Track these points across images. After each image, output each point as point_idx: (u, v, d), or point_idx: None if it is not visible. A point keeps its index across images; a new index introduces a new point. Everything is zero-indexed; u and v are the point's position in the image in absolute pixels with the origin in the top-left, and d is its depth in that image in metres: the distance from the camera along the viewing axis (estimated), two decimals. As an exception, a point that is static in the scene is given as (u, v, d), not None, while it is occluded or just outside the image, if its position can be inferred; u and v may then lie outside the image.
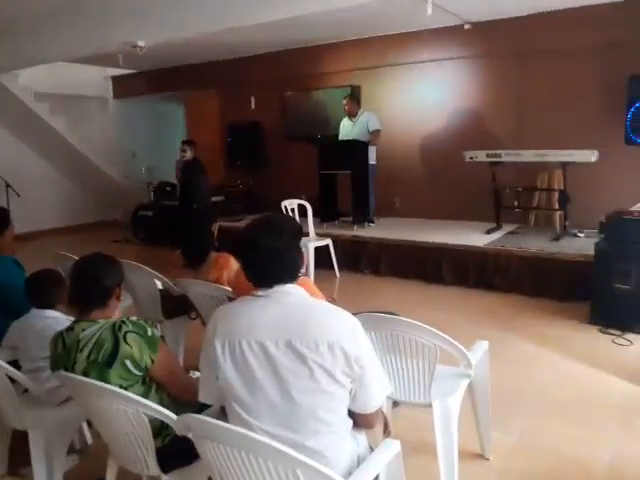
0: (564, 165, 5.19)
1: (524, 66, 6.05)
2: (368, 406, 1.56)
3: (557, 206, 5.64)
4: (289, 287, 1.55)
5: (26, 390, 2.20)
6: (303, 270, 1.67)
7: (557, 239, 5.27)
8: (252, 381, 1.47)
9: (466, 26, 6.04)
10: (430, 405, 2.13)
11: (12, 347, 2.39)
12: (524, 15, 5.71)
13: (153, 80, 9.13)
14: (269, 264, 1.54)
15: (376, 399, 1.56)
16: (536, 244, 5.11)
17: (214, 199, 7.79)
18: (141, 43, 5.31)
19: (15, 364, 2.27)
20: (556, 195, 5.62)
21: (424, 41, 6.48)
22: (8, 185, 8.01)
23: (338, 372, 1.45)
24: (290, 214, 5.65)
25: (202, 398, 1.65)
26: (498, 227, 5.80)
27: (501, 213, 5.84)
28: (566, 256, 4.76)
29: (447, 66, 6.54)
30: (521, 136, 6.00)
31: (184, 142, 6.50)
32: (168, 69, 8.63)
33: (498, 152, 5.46)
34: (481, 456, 2.47)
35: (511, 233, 5.71)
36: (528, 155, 5.33)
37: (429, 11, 4.52)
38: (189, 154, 6.29)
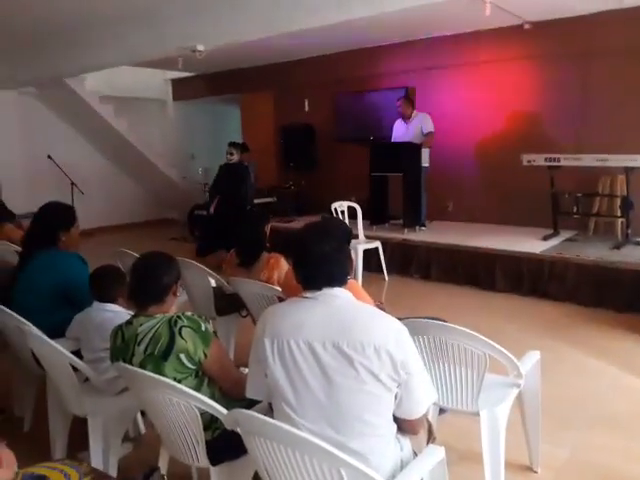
0: (627, 170, 4.97)
1: (587, 67, 5.83)
2: (413, 412, 1.56)
3: (619, 213, 5.40)
4: (337, 290, 1.59)
5: (87, 379, 2.31)
6: (352, 274, 1.69)
7: (618, 247, 5.04)
8: (299, 380, 1.50)
9: (526, 26, 5.88)
10: (477, 414, 2.10)
11: (75, 338, 2.52)
12: (587, 14, 5.49)
13: (211, 83, 9.37)
14: (318, 268, 1.58)
15: (421, 406, 1.56)
16: (595, 252, 4.91)
17: (265, 200, 7.94)
18: (200, 47, 5.47)
19: (77, 354, 2.39)
20: (618, 201, 5.38)
21: (481, 41, 6.35)
22: (73, 183, 8.44)
23: (384, 375, 1.46)
24: (340, 216, 5.68)
25: (249, 394, 1.70)
26: (555, 233, 5.61)
27: (559, 219, 5.64)
28: (627, 265, 4.56)
29: (505, 67, 6.39)
30: (582, 140, 5.78)
31: (231, 144, 6.29)
32: (225, 72, 8.84)
33: (557, 156, 5.29)
34: (529, 468, 2.41)
35: (569, 240, 5.51)
36: (589, 160, 5.14)
37: (488, 11, 4.44)
38: (236, 157, 6.13)
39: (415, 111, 6.44)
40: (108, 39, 6.14)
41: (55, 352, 2.20)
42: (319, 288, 1.58)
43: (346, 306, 1.57)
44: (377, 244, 5.69)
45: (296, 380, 1.51)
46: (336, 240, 1.63)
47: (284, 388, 1.52)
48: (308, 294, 1.60)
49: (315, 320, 1.53)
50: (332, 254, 1.59)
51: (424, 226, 6.37)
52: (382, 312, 1.60)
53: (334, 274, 1.59)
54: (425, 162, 6.30)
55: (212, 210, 6.45)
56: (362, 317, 1.55)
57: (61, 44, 6.52)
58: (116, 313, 2.46)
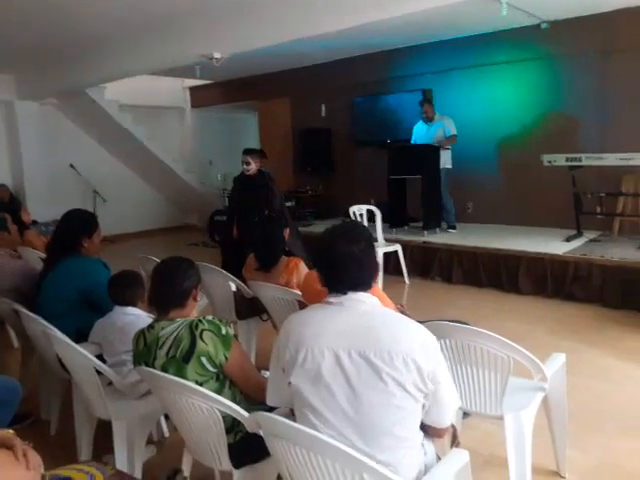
0: (652, 169, 4.87)
1: (607, 65, 5.73)
2: (442, 421, 1.55)
3: (644, 212, 5.30)
4: (363, 295, 1.53)
5: (111, 383, 2.34)
6: (376, 279, 1.64)
7: (644, 248, 4.94)
8: (325, 390, 1.46)
9: (543, 25, 5.82)
10: (502, 418, 2.07)
11: (97, 343, 2.56)
12: (607, 12, 5.41)
13: (228, 90, 9.46)
14: (345, 270, 1.52)
15: (450, 414, 1.55)
16: (620, 253, 4.81)
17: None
18: (217, 55, 5.53)
19: (101, 358, 2.42)
20: (643, 200, 5.29)
21: (498, 42, 6.30)
22: (95, 191, 8.59)
23: (411, 386, 1.43)
24: (359, 219, 5.67)
25: (269, 401, 1.69)
26: (579, 234, 5.52)
27: (582, 219, 5.54)
28: (654, 266, 4.46)
29: (523, 67, 6.32)
30: (603, 139, 5.69)
31: (246, 151, 4.86)
32: (242, 79, 8.91)
33: (578, 156, 5.21)
34: (556, 473, 2.36)
35: (593, 241, 5.42)
36: (612, 159, 5.05)
37: (504, 12, 4.40)
38: (253, 166, 4.77)
39: (437, 114, 6.40)
40: (127, 49, 6.24)
41: (79, 356, 2.23)
42: (344, 292, 1.52)
43: (373, 312, 1.53)
44: (397, 247, 5.67)
45: (321, 390, 1.47)
46: (364, 242, 1.56)
47: (309, 398, 1.48)
48: (332, 299, 1.55)
49: (340, 327, 1.48)
50: (360, 256, 1.53)
51: (454, 228, 6.35)
52: (410, 319, 1.55)
53: (361, 277, 1.54)
54: (447, 164, 6.28)
55: (235, 234, 4.91)
56: (390, 324, 1.50)
57: (82, 55, 6.64)
58: (137, 316, 2.49)
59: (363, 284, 1.54)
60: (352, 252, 1.52)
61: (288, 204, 7.98)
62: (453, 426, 1.83)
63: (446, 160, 6.26)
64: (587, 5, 5.31)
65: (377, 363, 1.41)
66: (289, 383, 1.53)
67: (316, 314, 1.57)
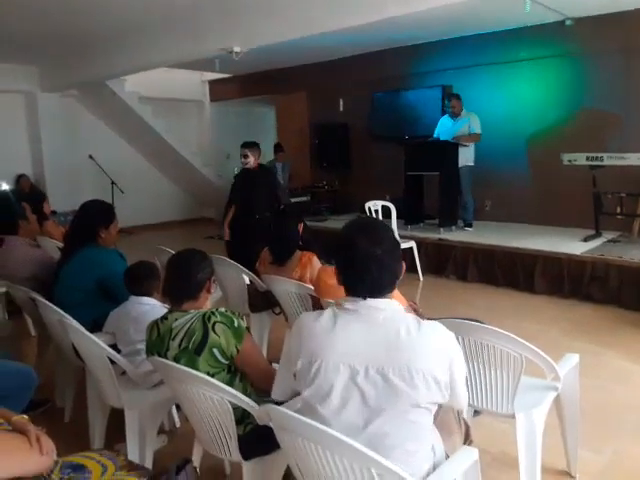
0: (675, 169, 4.77)
1: (631, 63, 5.63)
2: (460, 406, 1.57)
3: (666, 214, 5.20)
4: (382, 302, 1.44)
5: (124, 372, 2.37)
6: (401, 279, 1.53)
7: (665, 249, 4.85)
8: (336, 403, 1.42)
9: (567, 22, 5.72)
10: (513, 416, 2.05)
11: (111, 332, 2.59)
12: (632, 9, 5.30)
13: (247, 84, 9.47)
14: (367, 273, 1.42)
15: (464, 401, 1.55)
16: (640, 254, 4.74)
17: (299, 199, 7.94)
18: (237, 49, 5.53)
19: (115, 348, 2.45)
20: (665, 202, 5.18)
21: (521, 39, 6.20)
22: (113, 183, 8.68)
23: (429, 403, 1.41)
24: (374, 215, 5.65)
25: (274, 394, 1.68)
26: (597, 234, 5.43)
27: (601, 220, 5.45)
28: (674, 268, 4.38)
29: (545, 64, 6.22)
30: (626, 138, 5.59)
31: (244, 145, 4.81)
32: (261, 73, 8.92)
33: (600, 155, 5.12)
34: (567, 473, 2.34)
35: (612, 241, 5.33)
36: (633, 158, 4.95)
37: (528, 8, 4.34)
38: (252, 159, 4.74)
39: (464, 110, 6.30)
40: (148, 41, 6.28)
41: (94, 345, 2.27)
42: (364, 297, 1.43)
43: (392, 319, 1.43)
44: (412, 244, 5.64)
45: (332, 403, 1.42)
46: (389, 242, 1.45)
47: (318, 409, 1.44)
48: (349, 304, 1.45)
49: (357, 340, 1.40)
50: (384, 259, 1.42)
51: (470, 226, 6.30)
52: (432, 325, 1.45)
53: (383, 281, 1.44)
54: (470, 161, 6.23)
55: (227, 234, 4.95)
56: (409, 335, 1.40)
57: (104, 47, 6.71)
58: (152, 306, 2.52)
59: (384, 288, 1.45)
60: (374, 253, 1.42)
61: (303, 199, 8.03)
62: (466, 424, 1.82)
63: (468, 158, 6.21)
64: (612, 2, 5.20)
65: (396, 382, 1.35)
66: (299, 393, 1.50)
67: (332, 322, 1.45)
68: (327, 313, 1.49)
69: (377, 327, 1.41)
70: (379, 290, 1.44)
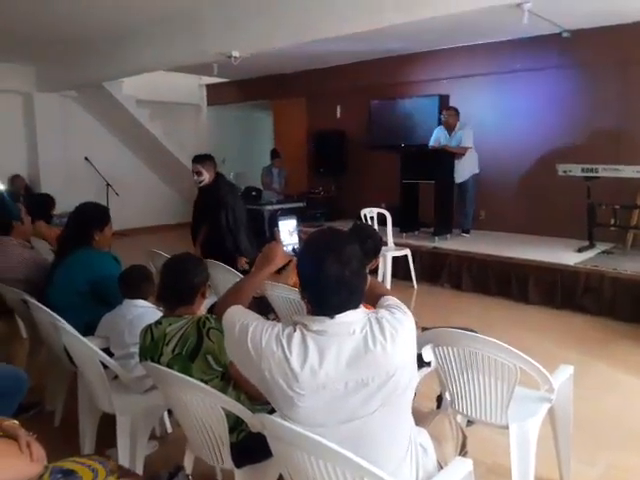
0: (670, 182, 4.81)
1: (626, 76, 5.68)
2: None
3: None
4: (349, 315, 1.40)
5: (116, 377, 2.35)
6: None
7: (658, 262, 4.88)
8: (320, 423, 1.40)
9: (564, 34, 5.77)
10: (506, 427, 2.05)
11: (105, 336, 2.57)
12: (629, 23, 5.36)
13: (244, 89, 9.48)
14: (334, 295, 1.38)
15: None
16: (633, 266, 4.75)
17: (295, 205, 7.93)
18: (235, 53, 5.54)
19: (108, 353, 2.43)
20: (659, 214, 5.22)
21: (518, 50, 6.26)
22: (109, 185, 8.65)
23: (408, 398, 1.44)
24: (369, 222, 5.65)
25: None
26: (591, 246, 5.46)
27: (595, 231, 5.49)
28: (667, 281, 4.40)
29: (542, 76, 6.27)
30: (620, 150, 5.63)
31: (195, 159, 4.17)
32: (259, 78, 8.93)
33: (595, 167, 5.15)
34: (560, 486, 2.34)
35: (605, 253, 5.36)
36: (629, 171, 4.99)
37: (525, 20, 4.37)
38: (206, 176, 4.12)
39: (459, 122, 6.31)
40: (146, 44, 6.28)
41: (86, 349, 2.25)
42: (331, 316, 1.39)
43: (362, 329, 1.38)
44: (406, 252, 5.65)
45: (317, 419, 1.40)
46: (356, 260, 1.40)
47: (304, 430, 1.38)
48: (316, 325, 1.38)
49: (331, 364, 1.35)
50: (352, 279, 1.39)
51: (468, 232, 6.36)
52: (394, 325, 1.41)
53: (350, 300, 1.40)
54: (475, 169, 6.26)
55: (195, 250, 4.29)
56: (383, 336, 1.38)
57: (102, 49, 6.71)
58: (146, 309, 2.51)
59: (352, 305, 1.41)
60: (342, 276, 1.37)
61: (299, 205, 8.00)
62: (463, 434, 1.81)
63: (473, 167, 6.25)
64: (609, 15, 5.25)
65: (373, 388, 1.36)
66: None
67: (303, 356, 1.36)
68: (296, 340, 1.39)
69: (348, 342, 1.37)
70: (346, 308, 1.40)
